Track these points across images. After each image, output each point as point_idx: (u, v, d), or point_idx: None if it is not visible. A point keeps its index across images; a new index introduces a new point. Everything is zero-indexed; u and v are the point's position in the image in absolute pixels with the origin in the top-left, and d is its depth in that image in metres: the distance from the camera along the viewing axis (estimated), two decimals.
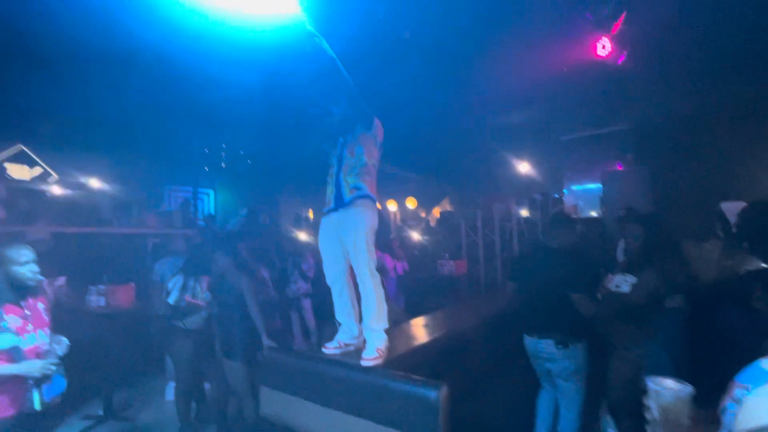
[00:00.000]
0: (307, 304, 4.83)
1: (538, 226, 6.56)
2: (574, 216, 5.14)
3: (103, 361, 4.09)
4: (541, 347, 2.80)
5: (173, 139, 7.10)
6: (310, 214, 10.58)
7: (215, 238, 4.91)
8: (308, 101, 2.79)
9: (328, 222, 2.42)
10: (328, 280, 2.49)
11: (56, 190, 5.42)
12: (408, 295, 4.95)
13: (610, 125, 6.80)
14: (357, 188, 2.33)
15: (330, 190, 2.42)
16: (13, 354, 2.20)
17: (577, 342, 2.71)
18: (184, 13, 3.72)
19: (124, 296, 4.35)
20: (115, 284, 4.35)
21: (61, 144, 6.52)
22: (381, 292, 2.34)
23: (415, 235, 6.53)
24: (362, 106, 2.42)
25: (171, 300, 3.75)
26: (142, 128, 6.20)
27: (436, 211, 9.70)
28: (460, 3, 4.23)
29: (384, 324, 2.32)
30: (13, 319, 2.23)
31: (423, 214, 9.81)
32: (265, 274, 4.27)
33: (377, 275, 2.32)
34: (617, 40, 4.72)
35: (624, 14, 4.55)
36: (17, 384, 2.20)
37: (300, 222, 8.87)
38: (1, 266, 2.26)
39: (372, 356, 2.17)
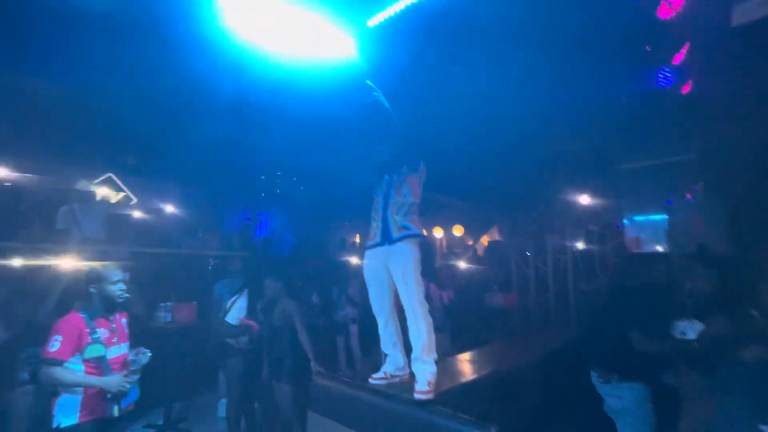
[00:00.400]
0: (353, 329, 4.89)
1: (595, 260, 6.21)
2: (644, 252, 4.87)
3: (167, 374, 4.39)
4: (593, 381, 2.77)
5: (234, 167, 7.70)
6: (357, 239, 10.81)
7: (268, 261, 5.19)
8: (359, 140, 3.00)
9: (374, 254, 2.54)
10: (375, 311, 2.58)
11: (136, 213, 6.05)
12: (454, 327, 4.86)
13: (674, 154, 6.39)
14: (405, 227, 2.46)
15: (376, 224, 2.56)
16: (101, 363, 2.46)
17: (623, 380, 2.60)
18: (253, 58, 4.14)
19: (187, 314, 4.68)
20: (180, 302, 4.71)
21: (142, 172, 7.35)
22: (430, 321, 2.37)
23: (462, 264, 6.42)
24: (411, 150, 2.59)
25: (227, 319, 4.00)
26: (208, 158, 6.80)
27: (485, 240, 9.49)
28: (514, 33, 4.29)
29: (434, 355, 2.35)
30: (102, 332, 2.50)
31: (470, 242, 9.63)
32: (314, 298, 4.42)
33: (426, 304, 2.37)
34: (680, 71, 4.53)
35: (687, 46, 4.37)
36: (101, 392, 2.44)
37: (346, 246, 9.10)
38: (97, 284, 2.55)
39: (424, 390, 2.17)
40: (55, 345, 2.32)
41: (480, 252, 8.12)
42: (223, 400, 4.50)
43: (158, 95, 4.91)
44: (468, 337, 4.69)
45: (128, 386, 2.49)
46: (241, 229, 7.85)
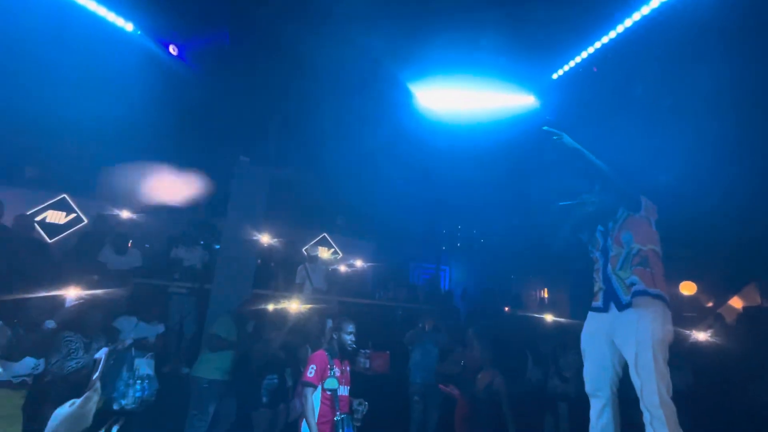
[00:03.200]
0: (563, 409, 4.21)
1: None
2: None
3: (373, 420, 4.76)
4: None
5: (417, 222, 8.34)
6: (545, 294, 9.84)
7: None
8: (557, 192, 2.75)
9: (598, 321, 2.13)
10: (588, 389, 2.13)
11: (341, 267, 7.16)
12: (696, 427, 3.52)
13: None
14: (633, 284, 2.00)
15: (598, 286, 2.17)
16: (334, 396, 2.96)
17: None
18: (439, 127, 4.58)
19: (382, 362, 5.09)
20: (376, 350, 5.18)
21: (344, 231, 8.77)
22: (679, 431, 1.79)
23: (700, 336, 4.81)
24: (621, 187, 2.17)
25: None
26: (396, 217, 7.58)
27: (735, 303, 7.12)
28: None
29: None
30: (336, 371, 3.03)
31: (709, 305, 7.39)
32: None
33: (672, 406, 1.80)
34: None
35: None
36: (330, 425, 2.92)
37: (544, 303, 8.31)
38: (338, 332, 3.16)
39: None
40: (312, 371, 2.97)
41: (729, 319, 6.10)
42: None
43: (363, 168, 5.89)
44: None
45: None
46: (428, 282, 8.26)
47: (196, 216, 6.47)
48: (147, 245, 6.46)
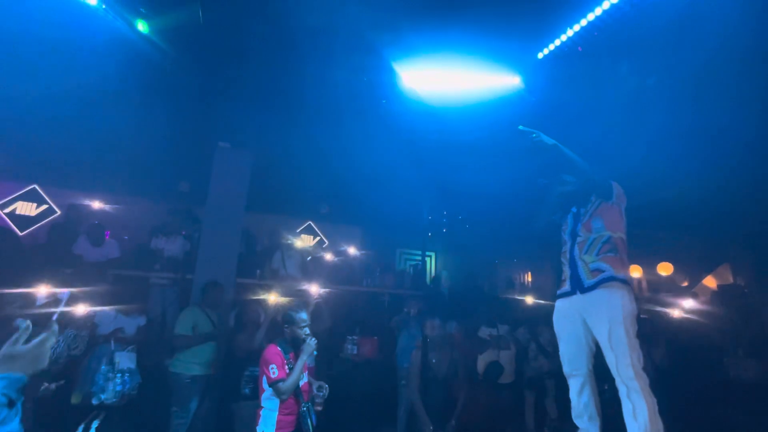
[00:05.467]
0: (550, 385, 4.28)
1: None
2: None
3: (350, 402, 4.78)
4: None
5: (403, 208, 8.29)
6: (528, 277, 9.99)
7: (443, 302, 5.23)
8: (536, 172, 2.74)
9: (568, 304, 2.19)
10: (566, 370, 2.19)
11: (327, 255, 7.09)
12: (673, 400, 3.67)
13: None
14: (599, 270, 2.06)
15: (565, 272, 2.22)
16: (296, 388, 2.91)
17: None
18: (424, 108, 4.49)
19: (369, 348, 5.09)
20: (364, 336, 5.17)
21: (329, 218, 8.68)
22: (653, 401, 1.85)
23: (676, 313, 5.01)
24: (594, 178, 2.20)
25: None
26: (382, 203, 7.52)
27: (710, 282, 7.37)
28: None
29: None
30: (291, 363, 2.97)
31: (684, 284, 7.62)
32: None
33: (645, 377, 1.87)
34: None
35: None
36: (296, 415, 2.91)
37: (515, 286, 8.45)
38: (289, 325, 3.06)
39: None
40: (274, 372, 2.87)
41: (703, 298, 6.32)
42: None
43: (347, 153, 5.77)
44: (700, 420, 3.49)
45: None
46: (414, 269, 8.27)
47: (175, 205, 6.28)
48: (126, 237, 6.25)
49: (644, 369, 1.88)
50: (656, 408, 1.84)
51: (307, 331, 3.06)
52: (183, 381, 3.79)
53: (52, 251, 5.10)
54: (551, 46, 3.49)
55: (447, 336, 3.90)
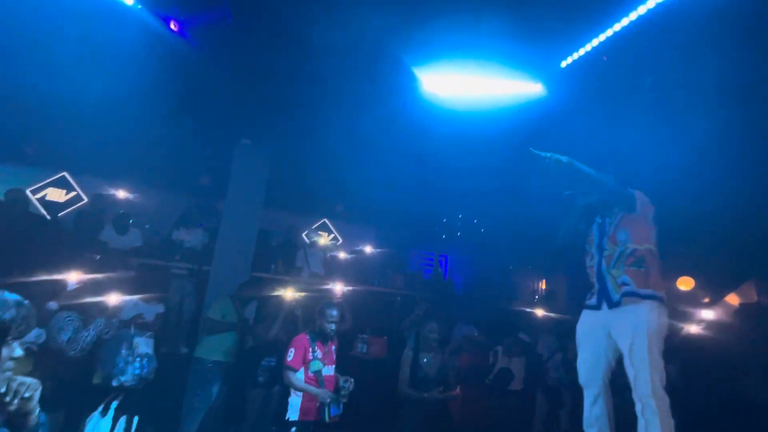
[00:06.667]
0: (567, 397, 4.26)
1: None
2: None
3: (359, 399, 4.84)
4: None
5: (418, 210, 8.31)
6: (542, 285, 9.87)
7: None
8: (558, 186, 2.72)
9: (594, 318, 2.15)
10: (581, 380, 2.17)
11: (341, 254, 7.16)
12: (684, 419, 3.55)
13: None
14: (624, 284, 2.02)
15: (594, 284, 2.18)
16: (318, 376, 3.08)
17: None
18: (444, 113, 4.51)
19: (379, 347, 5.13)
20: (374, 336, 5.21)
21: (344, 217, 8.75)
22: (670, 423, 1.79)
23: (693, 330, 4.87)
24: (616, 191, 2.17)
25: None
26: (397, 204, 7.56)
27: (732, 299, 7.11)
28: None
29: None
30: (318, 353, 3.14)
31: (705, 300, 7.38)
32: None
33: (665, 398, 1.82)
34: None
35: None
36: (315, 401, 3.03)
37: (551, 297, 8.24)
38: (320, 317, 3.23)
39: None
40: (291, 355, 3.09)
41: (724, 316, 6.11)
42: None
43: (364, 153, 5.83)
44: None
45: (330, 399, 3.01)
46: (431, 272, 8.28)
47: (196, 198, 6.44)
48: (147, 226, 6.44)
49: (666, 390, 1.84)
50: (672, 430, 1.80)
51: (333, 327, 3.22)
52: (206, 365, 4.06)
53: (80, 238, 5.31)
54: (575, 55, 3.47)
55: (444, 340, 3.91)
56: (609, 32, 3.11)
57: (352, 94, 4.54)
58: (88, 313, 3.26)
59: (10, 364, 1.16)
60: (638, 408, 1.87)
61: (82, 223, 5.67)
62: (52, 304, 3.28)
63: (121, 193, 6.77)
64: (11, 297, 1.11)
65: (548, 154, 2.14)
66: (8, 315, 1.08)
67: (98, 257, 4.48)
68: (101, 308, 3.30)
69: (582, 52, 3.39)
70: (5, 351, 1.15)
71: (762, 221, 5.75)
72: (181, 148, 6.10)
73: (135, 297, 4.15)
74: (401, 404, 4.19)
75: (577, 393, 3.99)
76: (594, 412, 2.10)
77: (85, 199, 6.96)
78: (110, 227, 5.55)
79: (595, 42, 3.26)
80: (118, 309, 3.47)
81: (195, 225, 5.80)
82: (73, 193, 7.06)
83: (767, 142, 4.21)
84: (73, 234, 5.48)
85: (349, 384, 3.16)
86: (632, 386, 1.90)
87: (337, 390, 3.13)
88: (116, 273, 4.10)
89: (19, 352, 1.21)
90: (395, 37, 3.68)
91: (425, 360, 3.68)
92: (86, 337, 3.10)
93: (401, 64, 3.86)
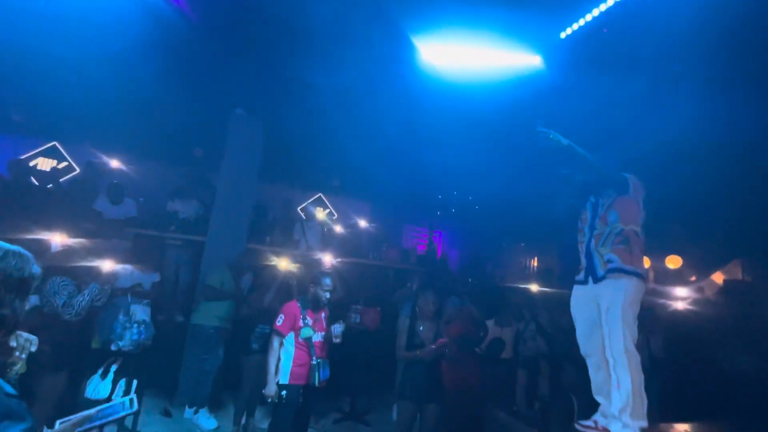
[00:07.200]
0: (544, 366, 4.40)
1: None
2: None
3: (353, 368, 4.99)
4: None
5: (414, 186, 8.31)
6: (534, 263, 10.02)
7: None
8: (554, 164, 2.75)
9: (582, 291, 2.29)
10: (583, 351, 2.30)
11: (337, 228, 7.21)
12: (665, 387, 3.72)
13: None
14: (609, 261, 2.14)
15: (582, 260, 2.30)
16: (308, 343, 3.18)
17: None
18: (440, 84, 4.44)
19: (372, 318, 5.24)
20: (367, 306, 5.32)
21: (339, 192, 8.76)
22: (640, 377, 1.95)
23: (679, 305, 5.04)
24: (610, 174, 2.24)
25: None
26: (393, 179, 7.54)
27: (718, 278, 7.28)
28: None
29: (642, 422, 1.92)
30: (309, 320, 3.24)
31: (692, 278, 7.55)
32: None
33: (636, 355, 1.96)
34: None
35: None
36: (308, 368, 3.16)
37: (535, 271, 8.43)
38: (314, 285, 3.29)
39: None
40: (280, 321, 3.19)
41: (709, 293, 6.29)
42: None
43: (360, 127, 5.78)
44: (690, 404, 3.56)
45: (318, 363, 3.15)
46: (423, 250, 8.36)
47: (190, 170, 6.39)
48: (141, 199, 6.41)
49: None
50: (642, 384, 1.93)
51: (328, 295, 3.30)
52: (208, 331, 4.25)
53: (71, 204, 5.27)
54: (575, 26, 3.41)
55: (439, 310, 4.00)
56: (609, 1, 3.05)
57: (350, 63, 4.45)
58: (81, 279, 3.29)
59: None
60: (611, 364, 2.00)
61: (75, 190, 5.63)
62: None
63: (115, 163, 6.71)
64: (27, 253, 1.13)
65: (552, 134, 2.20)
66: (35, 269, 1.11)
67: (89, 225, 4.48)
68: (94, 274, 3.33)
69: (582, 22, 3.33)
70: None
71: (749, 203, 5.83)
72: (176, 119, 5.99)
73: (130, 266, 4.20)
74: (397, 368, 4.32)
75: (554, 361, 4.21)
76: (600, 378, 2.21)
77: (78, 170, 6.89)
78: (104, 197, 5.53)
79: (595, 12, 3.20)
80: (112, 276, 3.50)
81: (189, 196, 5.79)
82: (64, 163, 6.98)
83: (758, 123, 4.21)
84: (64, 199, 5.45)
85: (341, 325, 3.29)
86: (606, 344, 2.03)
87: (328, 356, 3.27)
88: (111, 241, 4.13)
89: (35, 301, 1.24)
90: (394, 5, 3.60)
91: (421, 328, 3.78)
92: (81, 301, 3.14)
93: (400, 32, 3.77)
